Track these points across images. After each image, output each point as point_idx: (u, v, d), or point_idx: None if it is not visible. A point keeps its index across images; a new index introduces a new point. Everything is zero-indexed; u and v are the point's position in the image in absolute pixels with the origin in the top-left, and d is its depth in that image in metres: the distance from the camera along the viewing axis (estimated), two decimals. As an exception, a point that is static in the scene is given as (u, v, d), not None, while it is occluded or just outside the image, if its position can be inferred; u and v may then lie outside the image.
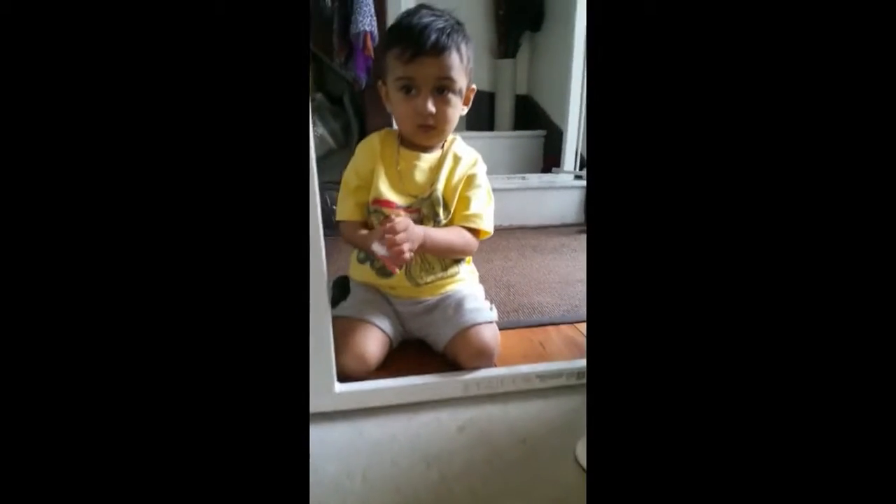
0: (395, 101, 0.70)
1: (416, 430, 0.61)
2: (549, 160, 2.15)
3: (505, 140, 2.22)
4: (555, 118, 2.18)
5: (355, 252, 0.79)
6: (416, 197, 0.72)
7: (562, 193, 1.80)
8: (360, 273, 0.78)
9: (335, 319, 0.63)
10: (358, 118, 1.66)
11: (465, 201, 0.74)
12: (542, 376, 0.69)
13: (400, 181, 0.72)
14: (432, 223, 0.72)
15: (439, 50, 0.64)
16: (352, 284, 0.79)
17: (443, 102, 0.67)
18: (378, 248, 0.64)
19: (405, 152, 0.73)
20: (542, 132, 2.27)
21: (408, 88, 0.67)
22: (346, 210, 0.73)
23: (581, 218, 1.83)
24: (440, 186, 0.72)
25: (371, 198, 0.72)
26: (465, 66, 0.68)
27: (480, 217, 0.74)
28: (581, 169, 1.83)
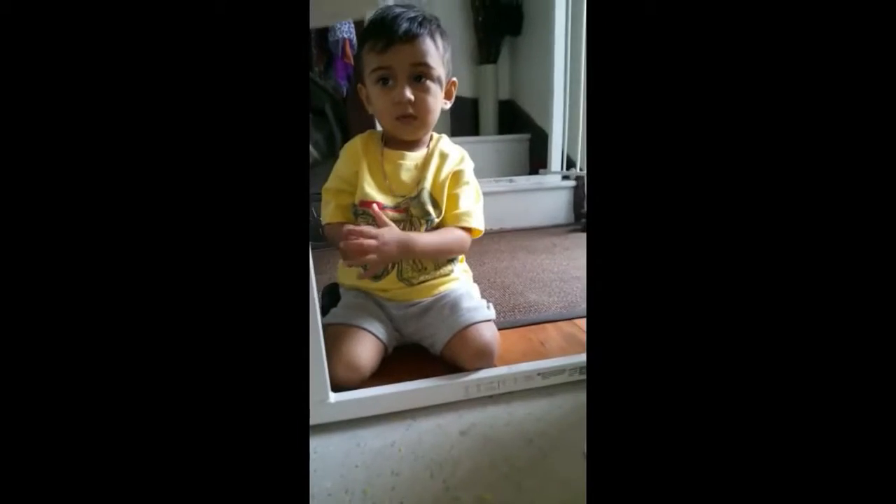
0: (373, 97, 0.68)
1: (416, 437, 0.57)
2: (535, 163, 2.15)
3: (490, 144, 2.21)
4: (538, 121, 2.18)
5: (344, 256, 0.76)
6: (403, 196, 0.70)
7: (550, 194, 1.79)
8: (349, 277, 0.74)
9: (325, 327, 0.59)
10: (340, 127, 1.64)
11: (453, 199, 0.71)
12: (544, 374, 0.66)
13: (385, 181, 0.70)
14: (424, 223, 0.70)
15: (412, 36, 0.63)
16: (341, 290, 0.76)
17: (421, 90, 0.66)
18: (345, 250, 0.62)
19: (389, 152, 0.71)
20: (526, 136, 2.27)
21: (385, 80, 0.65)
22: (328, 213, 0.71)
23: (571, 218, 1.82)
24: (427, 186, 0.70)
25: (357, 199, 0.69)
26: (441, 55, 0.67)
27: (470, 215, 0.71)
28: (567, 169, 1.82)
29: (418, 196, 0.70)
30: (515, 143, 2.28)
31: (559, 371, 0.66)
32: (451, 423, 0.60)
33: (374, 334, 0.67)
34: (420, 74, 0.65)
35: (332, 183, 0.72)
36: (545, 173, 1.86)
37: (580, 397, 0.64)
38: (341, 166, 0.71)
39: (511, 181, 1.80)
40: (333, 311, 0.71)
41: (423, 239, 0.68)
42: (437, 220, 0.71)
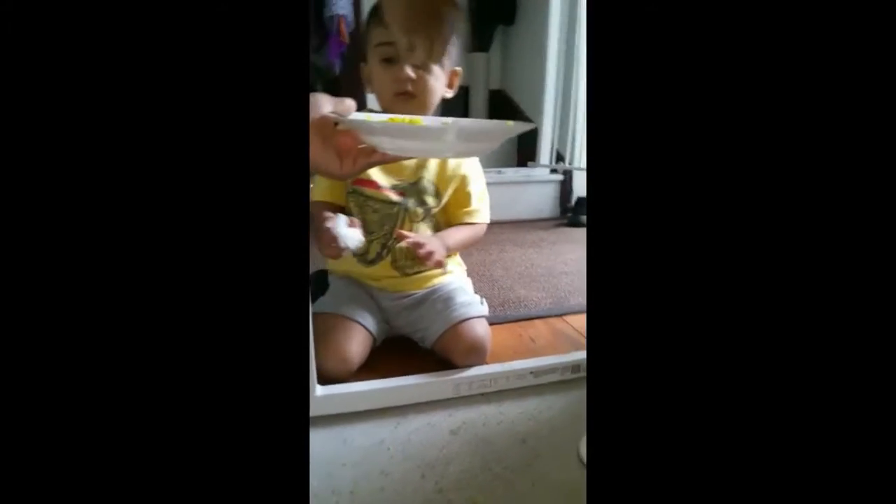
0: (375, 72, 0.65)
1: (406, 435, 0.55)
2: (523, 155, 2.13)
3: (479, 134, 2.18)
4: (529, 112, 2.16)
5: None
6: (402, 180, 0.67)
7: (538, 187, 1.78)
8: (340, 263, 0.71)
9: (313, 316, 0.57)
10: (329, 107, 1.59)
11: (466, 197, 0.72)
12: (536, 372, 0.65)
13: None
14: (420, 210, 0.68)
15: None
16: (331, 278, 0.73)
17: (423, 69, 0.63)
18: (343, 233, 0.58)
19: None
20: (515, 127, 2.25)
21: (389, 59, 0.63)
22: (319, 190, 0.68)
23: (557, 212, 1.81)
24: (430, 175, 0.68)
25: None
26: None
27: (479, 212, 0.73)
28: (556, 163, 1.81)
29: (418, 182, 0.67)
30: (504, 133, 2.26)
31: (552, 370, 0.65)
32: (441, 421, 0.58)
33: (364, 326, 0.65)
34: None
35: None
36: (534, 166, 1.85)
37: (572, 396, 0.63)
38: None
39: (500, 172, 1.78)
40: (322, 299, 0.68)
41: (451, 238, 0.70)
42: (434, 210, 0.69)
